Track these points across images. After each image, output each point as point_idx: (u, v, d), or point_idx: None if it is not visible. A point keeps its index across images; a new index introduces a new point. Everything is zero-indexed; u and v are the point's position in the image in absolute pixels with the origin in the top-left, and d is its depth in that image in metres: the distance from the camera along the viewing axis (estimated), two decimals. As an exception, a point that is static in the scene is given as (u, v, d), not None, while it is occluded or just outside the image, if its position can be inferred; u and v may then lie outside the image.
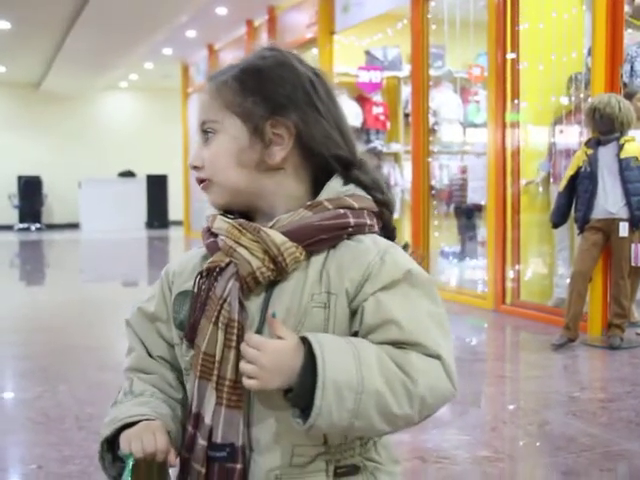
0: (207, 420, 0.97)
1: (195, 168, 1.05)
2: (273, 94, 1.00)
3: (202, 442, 0.98)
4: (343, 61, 8.00)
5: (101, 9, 9.43)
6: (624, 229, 4.28)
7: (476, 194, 6.76)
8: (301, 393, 0.90)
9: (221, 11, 9.74)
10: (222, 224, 1.02)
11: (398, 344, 0.94)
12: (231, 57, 11.73)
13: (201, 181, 1.06)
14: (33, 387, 3.66)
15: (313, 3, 8.51)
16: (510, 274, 5.58)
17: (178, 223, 15.18)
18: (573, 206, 4.49)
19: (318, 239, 0.98)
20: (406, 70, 7.80)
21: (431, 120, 6.79)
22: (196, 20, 10.27)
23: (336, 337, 0.94)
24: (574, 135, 5.32)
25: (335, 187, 1.01)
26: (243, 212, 1.06)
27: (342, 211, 0.99)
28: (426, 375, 0.93)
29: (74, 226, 15.89)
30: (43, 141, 16.29)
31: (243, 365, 0.92)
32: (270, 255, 0.96)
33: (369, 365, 0.90)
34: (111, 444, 1.03)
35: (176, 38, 11.42)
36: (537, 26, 5.51)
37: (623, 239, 4.30)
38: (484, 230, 6.42)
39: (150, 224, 15.93)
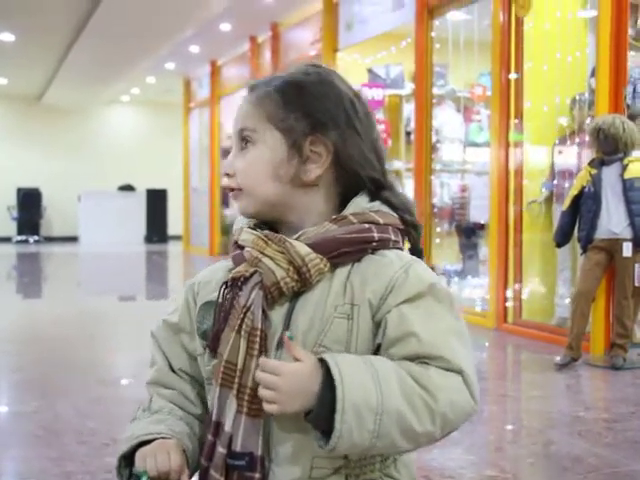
0: (227, 428, 0.98)
1: (227, 175, 1.05)
2: (315, 112, 1.01)
3: (221, 450, 0.98)
4: (346, 78, 8.02)
5: (105, 23, 9.47)
6: (627, 249, 4.28)
7: (478, 213, 6.76)
8: (321, 415, 0.90)
9: (225, 27, 9.79)
10: (248, 236, 1.02)
11: (419, 358, 0.94)
12: (234, 73, 11.79)
13: (231, 189, 1.06)
14: (32, 400, 3.63)
15: (317, 20, 8.57)
16: (512, 293, 5.57)
17: (177, 238, 15.17)
18: (576, 226, 4.49)
19: (342, 252, 0.99)
20: (408, 88, 7.83)
21: (432, 138, 6.80)
22: (200, 35, 10.32)
23: (354, 357, 0.93)
24: (577, 155, 5.33)
25: (361, 203, 1.03)
26: (269, 223, 1.06)
27: (367, 225, 1.00)
28: (446, 391, 0.92)
29: (73, 239, 15.87)
30: (43, 153, 16.30)
31: (261, 391, 0.91)
32: (295, 266, 0.97)
33: (388, 384, 0.90)
34: (128, 460, 1.03)
35: (179, 53, 11.47)
36: (542, 48, 5.53)
37: (626, 259, 4.30)
38: (485, 249, 6.42)
39: (149, 238, 15.92)
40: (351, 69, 8.03)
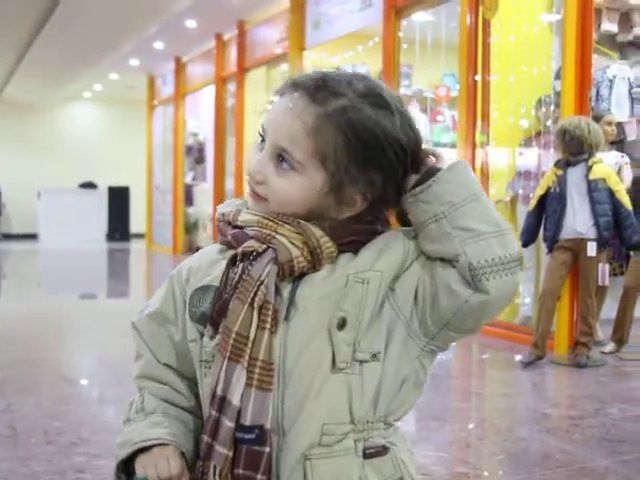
0: (235, 402, 0.96)
1: (255, 180, 1.01)
2: (368, 166, 0.99)
3: (229, 424, 0.96)
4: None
5: (67, 18, 9.33)
6: (592, 249, 4.36)
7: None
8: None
9: (191, 24, 9.72)
10: (251, 217, 1.01)
11: None
12: (199, 70, 11.71)
13: (254, 192, 1.03)
14: (-2, 400, 3.57)
15: (284, 19, 8.55)
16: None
17: (140, 236, 15.02)
18: (542, 225, 4.56)
19: (350, 240, 1.00)
20: (374, 88, 7.85)
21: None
22: (164, 32, 10.23)
23: None
24: (542, 156, 5.41)
25: None
26: None
27: (371, 218, 1.03)
28: None
29: (32, 236, 15.60)
30: (2, 149, 16.00)
31: None
32: (309, 246, 0.98)
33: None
34: (126, 464, 1.03)
35: (143, 49, 11.35)
36: (508, 49, 5.60)
37: (591, 259, 4.38)
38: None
39: (111, 236, 15.73)
40: (318, 68, 8.04)
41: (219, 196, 10.63)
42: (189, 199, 12.70)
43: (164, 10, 9.11)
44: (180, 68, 12.29)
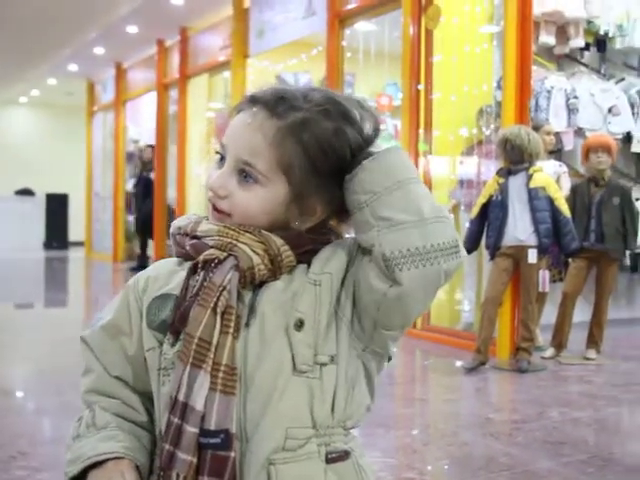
0: (198, 407, 0.95)
1: (216, 195, 1.02)
2: (331, 177, 0.99)
3: (193, 429, 0.94)
4: (256, 85, 7.99)
5: (2, 21, 9.11)
6: (532, 256, 4.44)
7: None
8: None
9: (132, 29, 9.59)
10: (212, 227, 1.02)
11: None
12: (140, 76, 11.56)
13: (216, 207, 1.03)
14: None
15: (227, 26, 8.52)
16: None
17: (79, 244, 14.72)
18: (484, 233, 4.63)
19: (306, 249, 1.02)
20: (317, 96, 7.88)
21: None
22: (105, 37, 10.08)
23: None
24: (483, 165, 5.51)
25: None
26: None
27: (325, 230, 1.06)
28: None
29: (-35, 245, 15.13)
30: None
31: None
32: (270, 254, 0.99)
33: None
34: None
35: (83, 55, 11.15)
36: (450, 59, 5.68)
37: (531, 265, 4.47)
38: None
39: (49, 244, 15.36)
40: (262, 75, 8.04)
41: (160, 203, 10.50)
42: (129, 207, 12.51)
43: (105, 15, 8.98)
44: (121, 74, 12.12)
